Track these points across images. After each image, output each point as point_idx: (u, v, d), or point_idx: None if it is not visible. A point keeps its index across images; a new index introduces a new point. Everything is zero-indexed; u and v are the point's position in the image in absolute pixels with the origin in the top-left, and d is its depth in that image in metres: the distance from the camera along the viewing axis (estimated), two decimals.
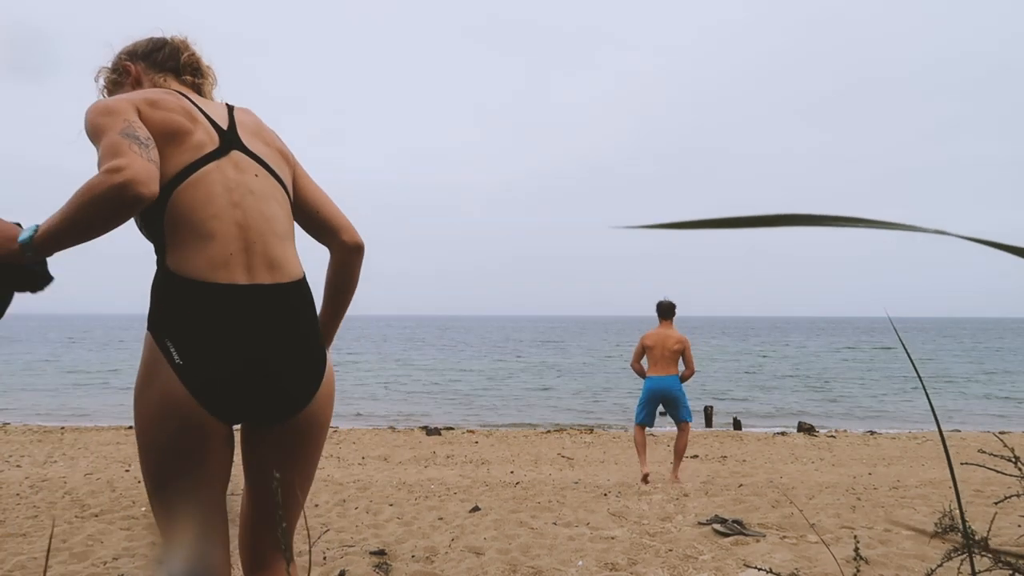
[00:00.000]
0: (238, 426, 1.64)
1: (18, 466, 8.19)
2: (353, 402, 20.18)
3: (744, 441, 12.13)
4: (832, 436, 13.12)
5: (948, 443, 0.79)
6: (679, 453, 7.11)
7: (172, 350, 1.46)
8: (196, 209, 1.50)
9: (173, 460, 1.51)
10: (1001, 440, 2.14)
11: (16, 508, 5.32)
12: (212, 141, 1.58)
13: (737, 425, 14.60)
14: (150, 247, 1.57)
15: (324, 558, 4.02)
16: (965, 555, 1.85)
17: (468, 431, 13.47)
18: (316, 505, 5.54)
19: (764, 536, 4.42)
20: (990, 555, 1.58)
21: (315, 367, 1.64)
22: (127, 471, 7.51)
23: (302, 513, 1.81)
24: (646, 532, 4.60)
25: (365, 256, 1.78)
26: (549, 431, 13.70)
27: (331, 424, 1.81)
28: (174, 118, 1.54)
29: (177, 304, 1.48)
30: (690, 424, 7.17)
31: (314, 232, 1.76)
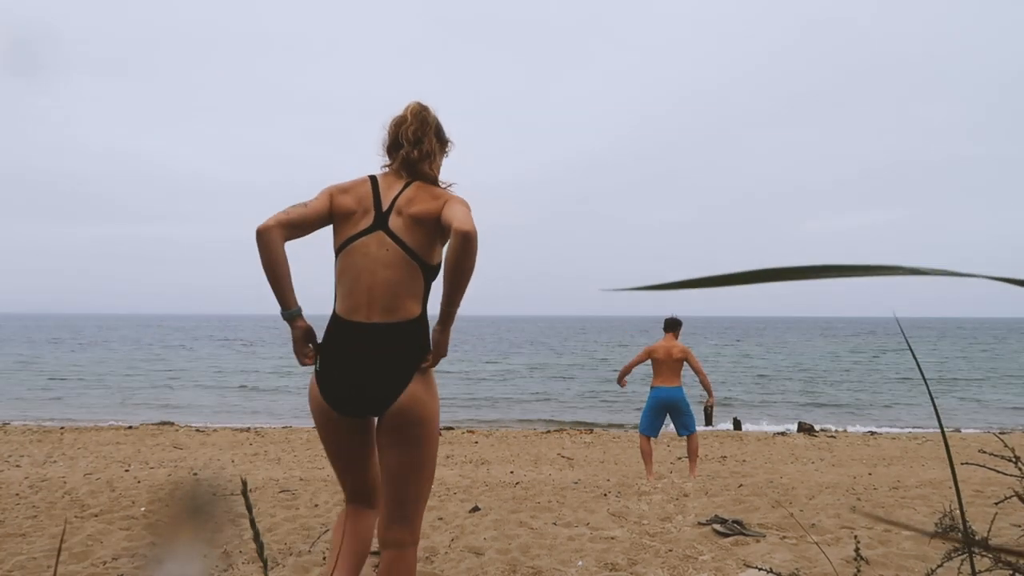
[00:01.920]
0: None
1: (18, 466, 8.18)
2: None
3: (744, 441, 12.13)
4: (832, 436, 13.12)
5: (948, 443, 0.78)
6: (693, 454, 7.45)
7: (318, 359, 2.27)
8: (345, 271, 2.24)
9: (318, 424, 2.34)
10: (1001, 440, 2.14)
11: (16, 508, 5.31)
12: (368, 221, 2.24)
13: (737, 425, 14.60)
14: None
15: (324, 558, 4.02)
16: (965, 555, 1.85)
17: (468, 431, 13.47)
18: (316, 505, 5.54)
19: (764, 536, 4.41)
20: (990, 555, 1.58)
21: (396, 379, 2.19)
22: (127, 471, 7.50)
23: (416, 489, 2.25)
24: (646, 532, 4.59)
25: (476, 244, 2.09)
26: (549, 431, 13.71)
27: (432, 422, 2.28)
28: (349, 204, 2.25)
29: (327, 331, 2.26)
30: (695, 433, 7.44)
31: (449, 234, 2.15)
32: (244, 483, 0.85)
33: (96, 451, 9.88)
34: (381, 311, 2.19)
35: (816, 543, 4.20)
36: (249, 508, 0.85)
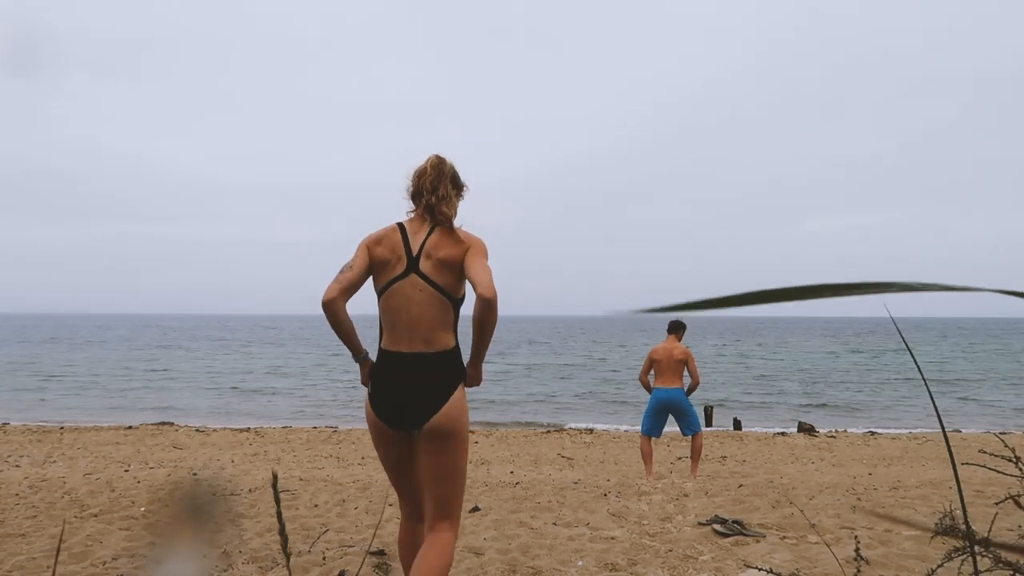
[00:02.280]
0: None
1: (17, 466, 8.18)
2: (353, 402, 20.17)
3: (744, 441, 12.12)
4: (832, 436, 13.11)
5: (949, 443, 0.78)
6: (696, 454, 7.44)
7: (371, 384, 2.68)
8: (387, 311, 2.62)
9: (374, 437, 2.74)
10: (1002, 440, 2.13)
11: (15, 508, 5.31)
12: (401, 267, 2.61)
13: (737, 425, 14.60)
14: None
15: (324, 558, 4.02)
16: (966, 555, 1.84)
17: (468, 431, 13.45)
18: (316, 505, 5.54)
19: (764, 536, 4.41)
20: (991, 555, 1.57)
21: (434, 400, 2.58)
22: (126, 471, 7.50)
23: (453, 489, 2.68)
24: (646, 532, 4.59)
25: (496, 306, 2.49)
26: (549, 431, 13.71)
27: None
28: (384, 253, 2.62)
29: (377, 361, 2.68)
30: (700, 433, 7.47)
31: (472, 286, 2.55)
32: (275, 476, 0.85)
33: (96, 451, 9.87)
34: (421, 342, 2.60)
35: (819, 542, 4.20)
36: (277, 500, 0.86)
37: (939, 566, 2.10)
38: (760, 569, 2.99)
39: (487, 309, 2.46)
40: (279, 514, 0.83)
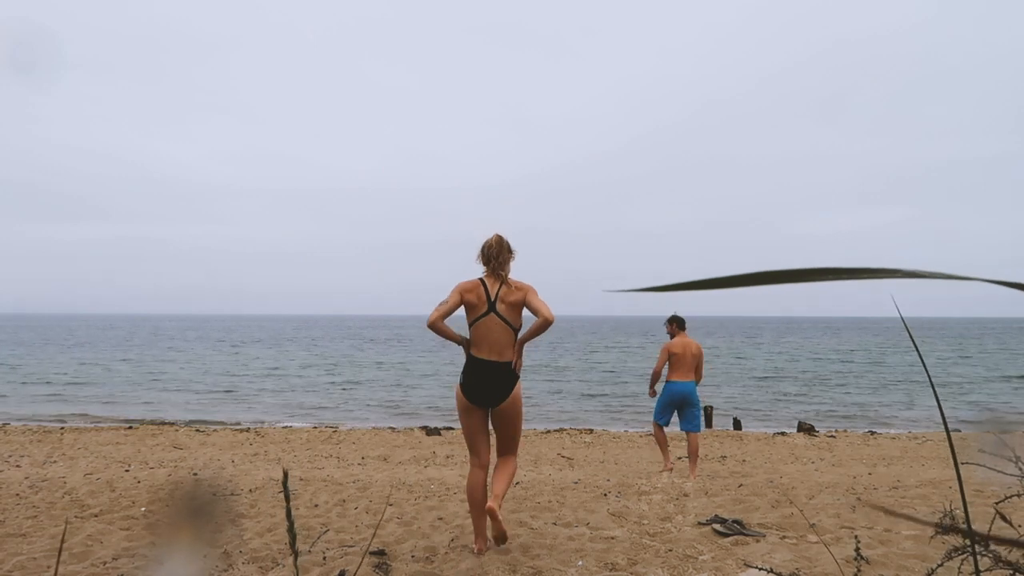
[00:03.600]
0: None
1: (18, 466, 8.18)
2: (353, 402, 20.18)
3: (744, 441, 12.12)
4: (832, 436, 13.11)
5: (952, 442, 0.78)
6: (695, 455, 7.55)
7: (462, 377, 4.13)
8: (476, 338, 4.09)
9: (462, 412, 4.16)
10: (1002, 440, 2.13)
11: (16, 508, 5.31)
12: (484, 308, 4.05)
13: (737, 425, 14.59)
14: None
15: (324, 558, 4.02)
16: (965, 555, 1.84)
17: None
18: (316, 505, 5.54)
19: (764, 536, 4.41)
20: (990, 555, 1.57)
21: (506, 388, 4.09)
22: (127, 471, 7.50)
23: (515, 436, 4.26)
24: (646, 532, 4.59)
25: (552, 324, 4.01)
26: (549, 431, 13.71)
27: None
28: (472, 299, 4.06)
29: (468, 364, 4.10)
30: (699, 433, 7.66)
31: (532, 313, 4.05)
32: (285, 474, 0.85)
33: (96, 451, 9.87)
34: (496, 355, 4.09)
35: (816, 543, 4.20)
36: (287, 497, 0.86)
37: (939, 565, 2.10)
38: (760, 569, 2.99)
39: (546, 326, 3.98)
40: (288, 512, 0.83)
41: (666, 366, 7.50)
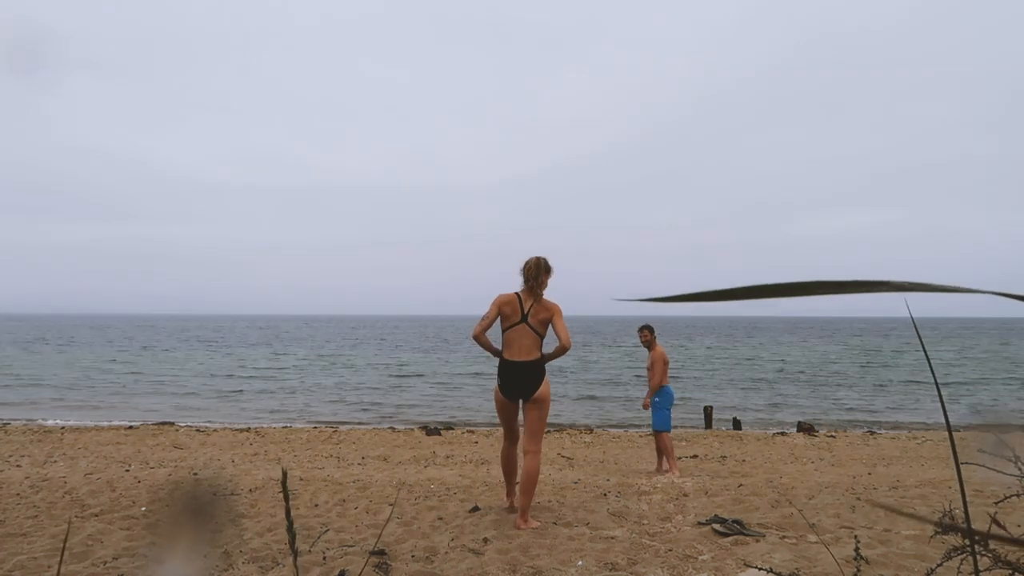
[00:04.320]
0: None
1: (18, 466, 8.18)
2: (352, 402, 20.18)
3: (744, 441, 12.12)
4: (832, 436, 13.11)
5: (954, 442, 0.78)
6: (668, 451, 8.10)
7: (498, 379, 4.95)
8: (508, 341, 4.85)
9: (499, 404, 4.99)
10: (1001, 440, 2.13)
11: (16, 508, 5.31)
12: (517, 318, 4.80)
13: (737, 425, 14.59)
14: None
15: (324, 558, 4.02)
16: (965, 555, 1.84)
17: (468, 431, 13.47)
18: (316, 505, 5.54)
19: (764, 536, 4.41)
20: (990, 555, 1.57)
21: (535, 384, 4.79)
22: (127, 471, 7.50)
23: (540, 427, 4.85)
24: (646, 532, 4.59)
25: (570, 348, 4.71)
26: (549, 431, 13.71)
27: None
28: (508, 311, 4.82)
29: (501, 364, 4.89)
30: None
31: (556, 337, 4.73)
32: (284, 474, 0.86)
33: (96, 451, 9.87)
34: (524, 356, 4.81)
35: (816, 543, 4.20)
36: (286, 496, 0.87)
37: (939, 565, 2.10)
38: (760, 569, 2.99)
39: (563, 351, 4.74)
40: (287, 511, 0.84)
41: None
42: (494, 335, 4.92)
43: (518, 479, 5.10)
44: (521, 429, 5.01)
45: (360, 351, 46.77)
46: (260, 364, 34.73)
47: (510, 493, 5.25)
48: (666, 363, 7.84)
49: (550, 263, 4.83)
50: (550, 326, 4.78)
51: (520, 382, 4.75)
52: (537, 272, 4.75)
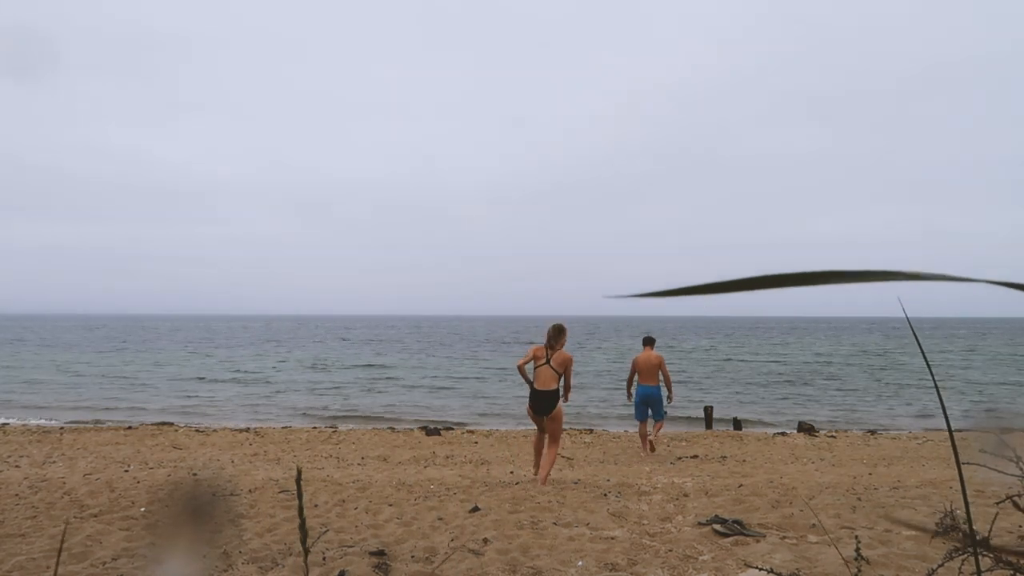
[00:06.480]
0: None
1: (17, 466, 8.17)
2: (350, 403, 20.18)
3: (744, 441, 12.12)
4: (832, 436, 13.10)
5: (955, 442, 0.78)
6: (658, 429, 10.26)
7: (529, 398, 7.16)
8: (537, 376, 7.04)
9: (531, 418, 7.21)
10: (1002, 440, 2.13)
11: (15, 508, 5.30)
12: (542, 362, 7.00)
13: (737, 425, 14.58)
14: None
15: (324, 558, 4.01)
16: (966, 555, 1.84)
17: (468, 431, 13.46)
18: (316, 505, 5.54)
19: (764, 536, 4.41)
20: (991, 555, 1.57)
21: (552, 405, 6.99)
22: (126, 471, 7.49)
23: (557, 432, 7.06)
24: (646, 532, 4.59)
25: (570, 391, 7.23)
26: None
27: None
28: (538, 354, 7.04)
29: (531, 391, 7.08)
30: (663, 422, 10.34)
31: (564, 381, 7.03)
32: (299, 471, 0.85)
33: (95, 451, 9.86)
34: (545, 386, 6.89)
35: (819, 542, 4.20)
36: (299, 494, 0.87)
37: (939, 566, 2.10)
38: (760, 569, 2.98)
39: (568, 390, 7.02)
40: (300, 509, 0.84)
41: (637, 374, 9.82)
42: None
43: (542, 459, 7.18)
44: (545, 436, 7.12)
45: (360, 351, 46.78)
46: (260, 364, 34.73)
47: (536, 464, 7.23)
48: (635, 364, 9.84)
49: (564, 326, 7.06)
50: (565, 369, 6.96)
51: (543, 404, 6.90)
52: (556, 335, 6.97)
